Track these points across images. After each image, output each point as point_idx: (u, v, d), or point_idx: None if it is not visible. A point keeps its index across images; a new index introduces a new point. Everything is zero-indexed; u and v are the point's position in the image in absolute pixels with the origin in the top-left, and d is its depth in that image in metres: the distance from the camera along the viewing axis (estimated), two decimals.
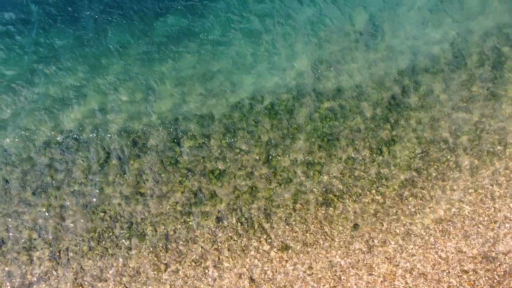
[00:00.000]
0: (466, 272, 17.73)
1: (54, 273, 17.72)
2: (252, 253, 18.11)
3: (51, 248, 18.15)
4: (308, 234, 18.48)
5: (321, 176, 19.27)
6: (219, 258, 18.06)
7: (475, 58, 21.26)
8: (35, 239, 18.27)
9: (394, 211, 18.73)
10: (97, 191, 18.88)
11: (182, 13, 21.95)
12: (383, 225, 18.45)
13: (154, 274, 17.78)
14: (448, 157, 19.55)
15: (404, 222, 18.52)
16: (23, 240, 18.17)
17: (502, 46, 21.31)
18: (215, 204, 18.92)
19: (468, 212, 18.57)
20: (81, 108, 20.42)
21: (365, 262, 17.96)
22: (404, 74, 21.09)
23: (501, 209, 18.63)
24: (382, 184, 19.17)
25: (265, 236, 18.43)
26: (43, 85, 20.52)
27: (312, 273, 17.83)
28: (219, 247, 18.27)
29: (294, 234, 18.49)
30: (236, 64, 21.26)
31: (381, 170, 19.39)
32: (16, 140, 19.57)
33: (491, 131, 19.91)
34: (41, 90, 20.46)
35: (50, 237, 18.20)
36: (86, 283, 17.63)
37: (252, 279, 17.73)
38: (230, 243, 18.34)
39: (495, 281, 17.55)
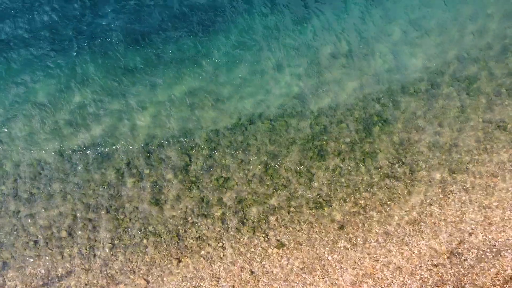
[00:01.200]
0: (436, 266, 20.64)
1: (83, 267, 20.63)
2: (252, 249, 21.01)
3: (79, 246, 21.08)
4: (300, 233, 21.40)
5: (312, 183, 22.22)
6: (223, 254, 20.96)
7: (448, 80, 24.33)
8: (64, 237, 21.18)
9: (375, 213, 21.65)
10: (118, 196, 21.81)
11: (194, 37, 25.01)
12: (364, 226, 21.38)
13: (168, 267, 20.67)
14: (423, 167, 22.54)
15: (383, 223, 21.44)
16: (56, 238, 21.14)
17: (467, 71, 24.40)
18: (220, 208, 21.84)
19: (438, 214, 21.51)
20: (106, 123, 23.43)
21: (349, 257, 20.86)
22: (384, 94, 24.12)
23: (467, 212, 21.57)
24: (364, 190, 22.11)
25: (263, 235, 21.34)
26: (75, 102, 23.55)
27: (304, 267, 20.72)
28: (224, 244, 21.17)
29: (288, 233, 21.41)
30: (239, 84, 24.29)
31: (364, 178, 22.35)
32: (52, 152, 22.57)
33: (460, 147, 22.91)
34: (72, 107, 23.49)
35: (79, 236, 21.13)
36: (109, 275, 20.50)
37: (252, 272, 20.62)
38: (233, 241, 21.24)
39: (461, 273, 20.45)
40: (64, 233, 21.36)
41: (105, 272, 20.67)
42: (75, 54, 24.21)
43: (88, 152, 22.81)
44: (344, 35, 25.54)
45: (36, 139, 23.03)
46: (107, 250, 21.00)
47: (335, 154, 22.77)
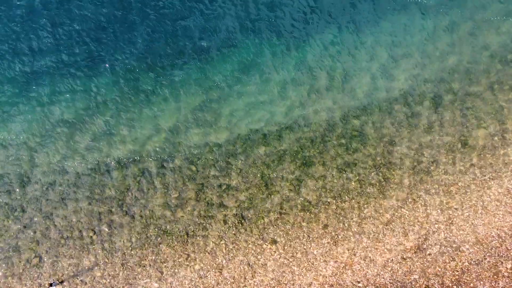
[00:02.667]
0: (404, 259, 24.43)
1: (106, 260, 24.41)
2: (250, 245, 24.81)
3: (104, 243, 24.87)
4: (290, 232, 25.20)
5: (301, 189, 26.05)
6: (225, 250, 24.74)
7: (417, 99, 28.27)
8: (91, 236, 24.98)
9: (354, 215, 25.46)
10: (132, 201, 25.62)
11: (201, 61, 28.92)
12: (345, 225, 25.19)
13: (179, 261, 24.44)
14: (394, 174, 26.38)
15: (360, 223, 25.24)
16: (85, 238, 24.95)
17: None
18: (222, 210, 25.63)
19: (408, 216, 25.32)
20: (130, 137, 27.34)
21: (331, 252, 24.66)
22: (363, 112, 28.02)
23: (431, 213, 25.38)
24: (345, 195, 25.93)
25: (259, 233, 25.13)
26: (108, 119, 27.44)
27: (294, 260, 24.51)
28: (226, 241, 24.94)
29: (280, 232, 25.20)
30: (239, 104, 28.19)
31: (345, 185, 26.17)
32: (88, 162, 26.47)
33: (427, 157, 26.76)
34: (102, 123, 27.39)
35: (105, 234, 24.94)
36: (129, 267, 24.28)
37: (249, 264, 24.39)
38: (233, 238, 25.02)
39: (425, 265, 24.25)
40: (91, 232, 25.18)
41: (126, 265, 24.47)
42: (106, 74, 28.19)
43: (108, 162, 26.69)
44: (329, 63, 29.47)
45: (71, 153, 26.91)
46: (127, 245, 24.82)
47: (320, 164, 26.62)
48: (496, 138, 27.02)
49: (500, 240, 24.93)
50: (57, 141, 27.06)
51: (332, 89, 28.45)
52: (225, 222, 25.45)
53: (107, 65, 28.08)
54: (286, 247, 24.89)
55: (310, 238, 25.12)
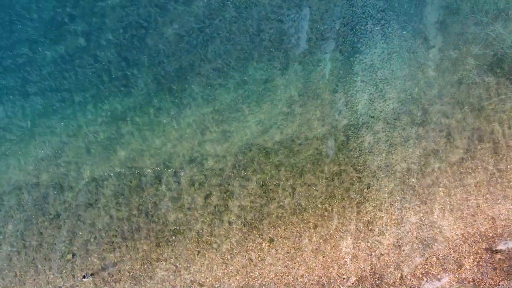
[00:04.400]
0: (382, 255, 28.79)
1: (127, 256, 28.76)
2: (251, 243, 29.15)
3: (126, 242, 29.21)
4: (285, 232, 29.53)
5: (294, 197, 30.40)
6: (230, 247, 29.07)
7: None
8: (115, 236, 29.32)
9: (339, 216, 29.82)
10: (151, 205, 29.96)
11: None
12: (332, 226, 29.55)
13: (190, 257, 28.77)
14: (375, 183, 30.73)
15: (345, 224, 29.61)
16: (106, 241, 29.29)
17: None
18: (227, 213, 29.97)
19: (385, 218, 29.68)
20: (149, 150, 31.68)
21: (321, 249, 29.01)
22: (348, 128, 32.44)
23: (407, 214, 29.74)
24: (331, 199, 30.28)
25: (259, 233, 29.46)
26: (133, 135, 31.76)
27: (288, 256, 28.85)
28: (230, 240, 29.28)
29: (277, 232, 29.55)
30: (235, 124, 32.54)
31: (331, 191, 30.54)
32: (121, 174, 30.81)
33: (402, 168, 31.13)
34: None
35: (126, 236, 29.27)
36: (149, 262, 28.63)
37: (250, 259, 28.75)
38: (237, 238, 29.36)
39: (400, 260, 28.61)
40: (114, 232, 29.54)
41: (145, 260, 28.81)
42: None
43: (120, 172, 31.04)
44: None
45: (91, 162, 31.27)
46: (146, 243, 29.17)
47: (311, 174, 30.98)
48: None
49: (464, 238, 29.35)
50: (94, 157, 31.43)
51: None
52: (230, 223, 29.87)
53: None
54: (281, 245, 29.35)
55: (302, 238, 29.55)
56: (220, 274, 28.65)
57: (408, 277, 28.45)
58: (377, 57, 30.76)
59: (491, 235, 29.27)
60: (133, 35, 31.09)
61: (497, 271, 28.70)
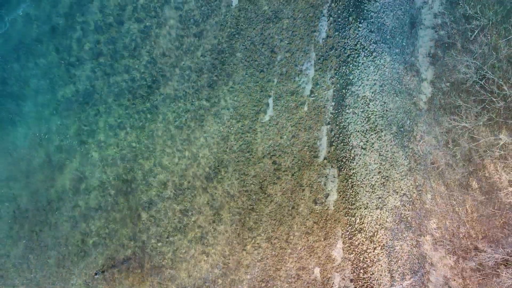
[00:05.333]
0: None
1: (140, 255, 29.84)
2: (251, 241, 30.05)
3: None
4: (281, 233, 30.18)
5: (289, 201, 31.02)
6: (233, 245, 29.94)
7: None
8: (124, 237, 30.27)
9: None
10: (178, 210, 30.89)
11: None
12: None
13: (195, 256, 29.64)
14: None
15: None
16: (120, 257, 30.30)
17: None
18: (229, 214, 30.74)
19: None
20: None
21: (308, 245, 29.64)
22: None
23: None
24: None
25: (257, 234, 30.21)
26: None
27: (282, 251, 29.56)
28: (234, 240, 30.10)
29: (273, 233, 30.23)
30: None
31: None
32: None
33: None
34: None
35: (143, 239, 30.24)
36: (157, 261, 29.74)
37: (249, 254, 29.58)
38: (239, 239, 30.20)
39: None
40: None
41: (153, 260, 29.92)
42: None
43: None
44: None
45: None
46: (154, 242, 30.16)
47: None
48: None
49: None
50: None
51: None
52: (231, 223, 30.67)
53: None
54: (277, 245, 30.11)
55: (296, 238, 30.20)
56: (220, 273, 29.66)
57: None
58: (369, 89, 30.95)
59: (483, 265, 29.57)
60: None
61: None
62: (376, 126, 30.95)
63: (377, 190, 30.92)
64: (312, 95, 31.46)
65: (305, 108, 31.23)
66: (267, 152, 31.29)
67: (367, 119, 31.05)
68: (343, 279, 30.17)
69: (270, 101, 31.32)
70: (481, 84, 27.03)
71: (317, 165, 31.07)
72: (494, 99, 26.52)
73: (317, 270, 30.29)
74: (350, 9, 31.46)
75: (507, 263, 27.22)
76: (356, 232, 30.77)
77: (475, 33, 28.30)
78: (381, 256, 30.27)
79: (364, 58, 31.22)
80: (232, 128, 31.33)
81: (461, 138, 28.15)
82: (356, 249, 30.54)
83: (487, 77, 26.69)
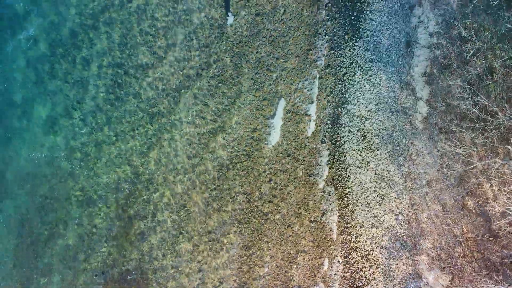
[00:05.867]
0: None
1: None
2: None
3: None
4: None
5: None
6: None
7: None
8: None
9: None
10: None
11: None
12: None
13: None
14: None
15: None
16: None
17: None
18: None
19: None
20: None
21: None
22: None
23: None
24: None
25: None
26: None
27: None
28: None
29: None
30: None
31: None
32: None
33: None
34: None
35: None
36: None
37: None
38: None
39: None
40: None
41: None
42: None
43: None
44: None
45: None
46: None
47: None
48: None
49: None
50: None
51: None
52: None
53: None
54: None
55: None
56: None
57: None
58: (364, 107, 30.90)
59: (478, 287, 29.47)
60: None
61: None
62: (372, 144, 30.90)
63: (373, 208, 30.87)
64: (308, 113, 31.47)
65: (300, 126, 31.30)
66: (263, 170, 31.28)
67: (362, 137, 31.01)
68: None
69: (275, 120, 31.43)
70: (474, 111, 26.88)
71: (314, 183, 31.06)
72: (488, 128, 26.43)
73: None
74: (346, 28, 31.45)
75: None
76: (352, 250, 30.72)
77: (470, 54, 28.25)
78: (377, 275, 30.19)
79: (360, 77, 31.20)
80: (233, 149, 31.43)
81: (455, 163, 28.10)
82: (352, 268, 30.48)
83: (481, 103, 26.56)
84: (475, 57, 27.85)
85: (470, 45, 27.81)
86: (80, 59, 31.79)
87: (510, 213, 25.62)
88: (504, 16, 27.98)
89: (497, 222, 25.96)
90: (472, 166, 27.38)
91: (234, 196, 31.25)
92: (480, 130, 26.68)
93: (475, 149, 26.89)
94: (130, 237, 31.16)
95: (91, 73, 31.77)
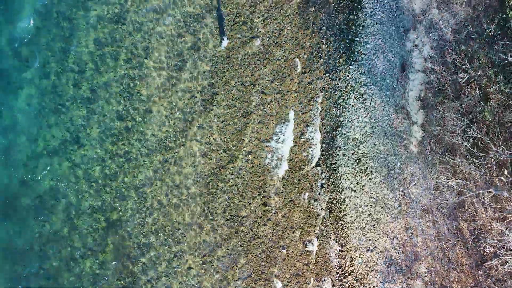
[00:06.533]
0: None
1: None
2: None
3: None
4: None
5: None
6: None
7: None
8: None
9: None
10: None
11: None
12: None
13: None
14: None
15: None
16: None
17: None
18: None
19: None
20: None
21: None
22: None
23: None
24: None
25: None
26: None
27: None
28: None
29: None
30: None
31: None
32: None
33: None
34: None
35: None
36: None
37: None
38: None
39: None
40: None
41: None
42: None
43: None
44: None
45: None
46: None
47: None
48: None
49: None
50: None
51: None
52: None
53: None
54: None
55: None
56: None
57: None
58: (359, 131, 30.89)
59: None
60: None
61: None
62: (367, 168, 30.86)
63: (368, 232, 30.83)
64: (302, 137, 31.49)
65: (295, 149, 31.34)
66: (257, 193, 31.28)
67: (357, 161, 30.97)
68: None
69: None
70: (466, 146, 26.81)
71: (309, 206, 31.06)
72: (479, 165, 26.34)
73: None
74: (341, 51, 31.45)
75: None
76: (347, 274, 30.68)
77: (464, 80, 28.19)
78: None
79: (355, 100, 31.18)
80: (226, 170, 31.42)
81: (448, 195, 27.99)
82: None
83: (475, 136, 26.40)
84: (468, 87, 27.81)
85: (463, 74, 27.76)
86: None
87: (501, 253, 25.47)
88: (498, 43, 27.95)
89: (489, 263, 25.90)
90: (465, 196, 27.31)
91: (230, 219, 31.33)
92: (473, 164, 26.55)
93: (467, 183, 26.86)
94: None
95: None
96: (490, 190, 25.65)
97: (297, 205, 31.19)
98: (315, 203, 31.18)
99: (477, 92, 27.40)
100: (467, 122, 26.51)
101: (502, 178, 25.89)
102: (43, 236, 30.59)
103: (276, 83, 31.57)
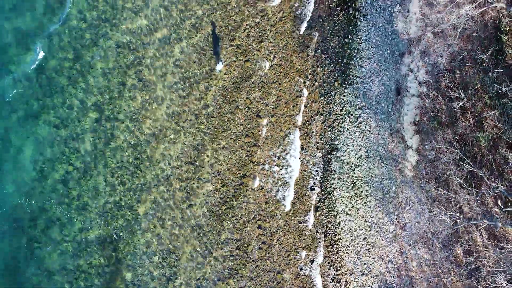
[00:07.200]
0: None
1: None
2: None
3: None
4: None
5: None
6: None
7: None
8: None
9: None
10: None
11: None
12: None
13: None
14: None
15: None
16: None
17: None
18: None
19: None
20: None
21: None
22: None
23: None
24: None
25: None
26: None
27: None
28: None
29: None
30: None
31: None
32: None
33: None
34: None
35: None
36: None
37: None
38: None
39: None
40: None
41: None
42: None
43: None
44: None
45: None
46: None
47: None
48: None
49: None
50: None
51: None
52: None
53: None
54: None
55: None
56: None
57: None
58: (354, 154, 30.83)
59: None
60: None
61: None
62: (362, 192, 30.80)
63: (363, 256, 30.76)
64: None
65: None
66: (252, 217, 31.31)
67: (352, 184, 30.92)
68: None
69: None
70: (459, 181, 26.70)
71: (304, 230, 31.07)
72: (471, 203, 26.20)
73: None
74: (336, 74, 31.43)
75: None
76: None
77: (458, 107, 28.05)
78: None
79: (350, 124, 31.13)
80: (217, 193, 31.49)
81: (443, 228, 27.74)
82: None
83: (468, 170, 26.18)
84: (463, 117, 27.67)
85: (458, 101, 27.61)
86: None
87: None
88: (492, 71, 27.79)
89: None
90: (460, 226, 27.17)
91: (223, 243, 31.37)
92: (467, 195, 26.36)
93: (461, 216, 26.73)
94: None
95: None
96: (485, 220, 25.49)
97: (292, 229, 31.21)
98: (309, 226, 31.20)
99: (471, 122, 27.24)
100: (461, 154, 26.31)
101: (495, 208, 25.76)
102: None
103: (271, 106, 31.66)
